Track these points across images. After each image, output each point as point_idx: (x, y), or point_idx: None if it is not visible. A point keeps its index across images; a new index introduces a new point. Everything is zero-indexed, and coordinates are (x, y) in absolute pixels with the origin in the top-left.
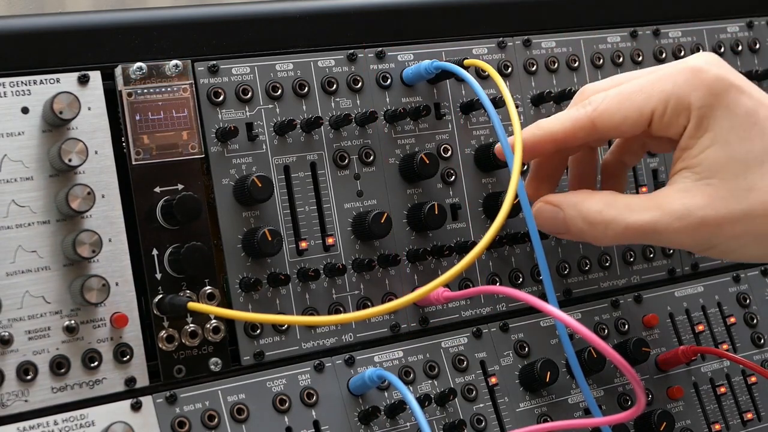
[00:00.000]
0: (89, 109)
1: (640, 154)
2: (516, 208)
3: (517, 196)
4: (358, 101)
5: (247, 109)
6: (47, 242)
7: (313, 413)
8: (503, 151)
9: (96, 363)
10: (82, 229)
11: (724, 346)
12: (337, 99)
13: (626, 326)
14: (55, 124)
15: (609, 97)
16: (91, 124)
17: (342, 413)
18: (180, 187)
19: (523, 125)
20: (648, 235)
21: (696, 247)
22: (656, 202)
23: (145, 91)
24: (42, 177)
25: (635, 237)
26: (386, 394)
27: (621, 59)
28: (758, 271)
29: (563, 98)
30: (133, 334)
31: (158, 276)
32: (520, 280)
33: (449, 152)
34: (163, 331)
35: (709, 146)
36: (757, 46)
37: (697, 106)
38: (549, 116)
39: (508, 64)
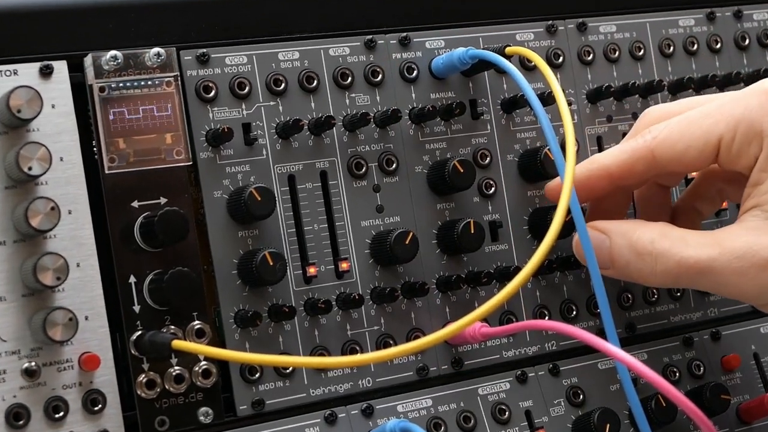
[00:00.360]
0: (53, 106)
1: (717, 201)
2: (568, 227)
3: (569, 211)
4: (377, 97)
5: (243, 106)
6: (2, 267)
7: None
8: (553, 157)
9: (61, 413)
10: (45, 251)
11: None
12: (353, 95)
13: (701, 369)
14: (12, 124)
15: (671, 124)
16: (56, 125)
17: None
18: (163, 200)
19: (577, 126)
20: (703, 275)
21: (757, 296)
22: (717, 238)
23: (121, 85)
24: None
25: (687, 276)
26: None
27: (695, 46)
28: None
29: (626, 94)
30: (106, 378)
31: (136, 308)
32: (574, 313)
33: (488, 159)
34: (143, 375)
35: None
36: None
37: None
38: (608, 115)
39: (559, 52)
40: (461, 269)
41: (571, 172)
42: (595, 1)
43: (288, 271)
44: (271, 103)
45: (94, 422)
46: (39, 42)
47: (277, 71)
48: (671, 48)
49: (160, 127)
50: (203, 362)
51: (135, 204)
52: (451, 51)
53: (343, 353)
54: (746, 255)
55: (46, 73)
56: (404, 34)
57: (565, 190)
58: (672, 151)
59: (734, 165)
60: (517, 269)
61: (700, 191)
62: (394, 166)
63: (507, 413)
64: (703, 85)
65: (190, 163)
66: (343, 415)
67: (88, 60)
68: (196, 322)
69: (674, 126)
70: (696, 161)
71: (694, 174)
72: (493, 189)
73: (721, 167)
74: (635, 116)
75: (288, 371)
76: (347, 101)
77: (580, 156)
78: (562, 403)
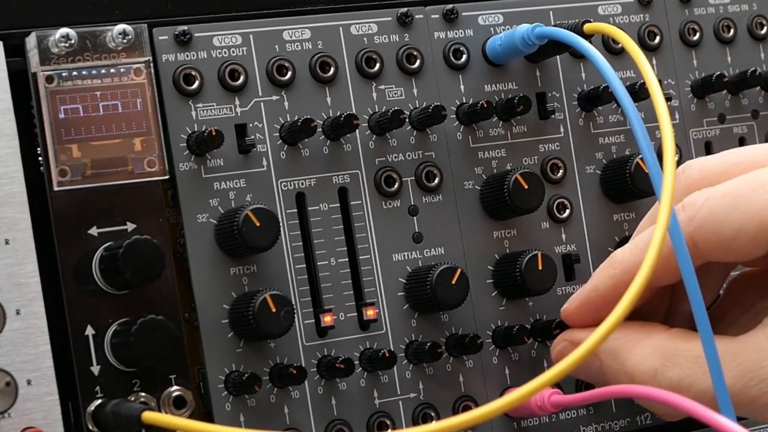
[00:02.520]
0: None
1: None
2: None
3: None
4: (414, 90)
5: (237, 102)
6: None
7: None
8: (647, 169)
9: None
10: None
11: None
12: (382, 86)
13: None
14: None
15: (714, 198)
16: None
17: None
18: (130, 227)
19: (679, 128)
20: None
21: None
22: (743, 370)
23: (75, 73)
24: None
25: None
26: None
27: None
28: None
29: (743, 85)
30: None
31: (95, 370)
32: None
33: (560, 171)
34: None
35: None
36: None
37: None
38: (720, 113)
39: (656, 30)
40: (525, 318)
41: (670, 190)
42: None
43: (296, 320)
44: (274, 97)
45: None
46: None
47: (282, 55)
48: None
49: (127, 130)
50: None
51: (93, 231)
52: (512, 29)
53: (370, 430)
54: None
55: None
56: (450, 6)
57: (662, 213)
58: (717, 238)
59: None
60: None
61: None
62: (436, 181)
63: None
64: None
65: (167, 177)
66: None
67: (31, 40)
68: (175, 387)
69: (718, 200)
70: (749, 249)
71: None
72: (567, 212)
73: None
74: (756, 114)
75: None
76: (374, 95)
77: None
78: None
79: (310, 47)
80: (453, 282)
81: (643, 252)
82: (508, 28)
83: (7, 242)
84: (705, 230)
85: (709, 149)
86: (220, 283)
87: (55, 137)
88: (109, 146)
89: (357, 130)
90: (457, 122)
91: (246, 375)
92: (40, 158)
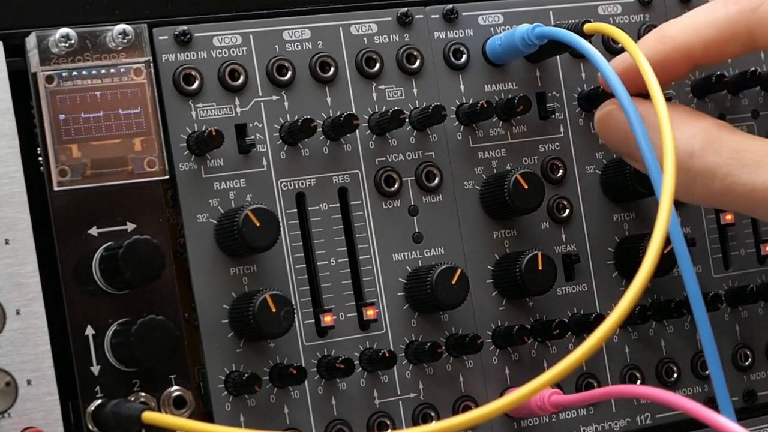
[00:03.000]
0: None
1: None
2: (667, 260)
3: (669, 241)
4: (414, 90)
5: (237, 102)
6: None
7: None
8: (648, 166)
9: None
10: None
11: None
12: (382, 86)
13: None
14: None
15: None
16: None
17: None
18: (130, 227)
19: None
20: (761, 205)
21: None
22: None
23: (75, 73)
24: None
25: (740, 203)
26: None
27: None
28: None
29: (744, 85)
30: None
31: (95, 370)
32: (674, 376)
33: (561, 171)
34: None
35: None
36: None
37: None
38: (720, 113)
39: None
40: (525, 318)
41: (671, 190)
42: None
43: (296, 320)
44: (274, 97)
45: None
46: None
47: (282, 55)
48: None
49: (127, 130)
50: None
51: (93, 231)
52: (512, 29)
53: (370, 430)
54: None
55: None
56: (450, 6)
57: (662, 211)
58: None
59: None
60: (600, 317)
61: None
62: (436, 181)
63: None
64: None
65: (167, 177)
66: None
67: (31, 40)
68: (175, 387)
69: None
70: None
71: None
72: (567, 211)
73: None
74: (756, 114)
75: None
76: (374, 95)
77: None
78: None
79: (310, 47)
80: (453, 282)
81: (695, 32)
82: (508, 28)
83: (7, 242)
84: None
85: None
86: (220, 283)
87: (55, 137)
88: (109, 146)
89: (357, 130)
90: (457, 122)
91: (246, 375)
92: (40, 158)
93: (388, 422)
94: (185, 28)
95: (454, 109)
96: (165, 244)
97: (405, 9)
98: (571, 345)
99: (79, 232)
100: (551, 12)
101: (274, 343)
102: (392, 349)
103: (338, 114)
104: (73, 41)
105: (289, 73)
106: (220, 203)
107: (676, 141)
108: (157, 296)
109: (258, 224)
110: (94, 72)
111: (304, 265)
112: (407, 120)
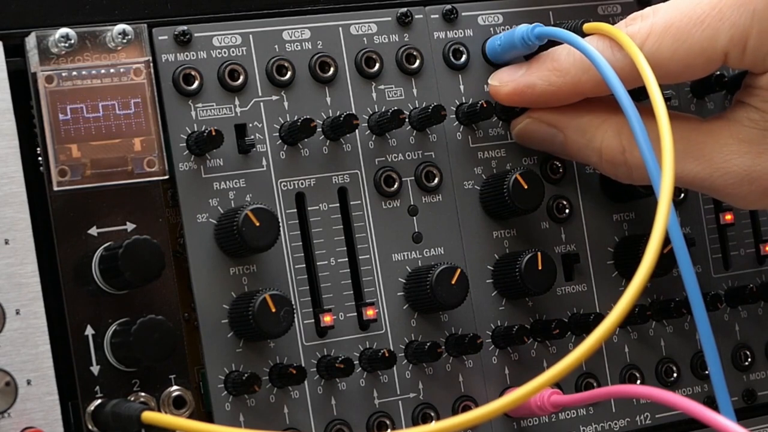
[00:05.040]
0: None
1: None
2: (667, 260)
3: (668, 239)
4: (414, 90)
5: (237, 102)
6: None
7: None
8: (647, 166)
9: None
10: None
11: None
12: (381, 86)
13: None
14: None
15: (656, 32)
16: None
17: None
18: (130, 227)
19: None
20: (693, 186)
21: (760, 206)
22: (705, 152)
23: (75, 73)
24: None
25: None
26: None
27: None
28: None
29: (740, 84)
30: None
31: (95, 370)
32: (674, 375)
33: (560, 171)
34: None
35: None
36: None
37: None
38: (717, 112)
39: None
40: (525, 318)
41: (669, 188)
42: None
43: (296, 320)
44: (274, 97)
45: None
46: None
47: (282, 55)
48: None
49: (127, 130)
50: None
51: (93, 231)
52: (511, 29)
53: (370, 430)
54: (743, 181)
55: None
56: (450, 6)
57: (661, 210)
58: (665, 70)
59: (744, 67)
60: (600, 317)
61: None
62: (435, 181)
63: None
64: None
65: (167, 177)
66: None
67: (31, 40)
68: (174, 387)
69: (662, 36)
70: (696, 75)
71: None
72: (567, 211)
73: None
74: None
75: None
76: (374, 95)
77: None
78: None
79: (310, 47)
80: (453, 282)
81: (587, 68)
82: (507, 28)
83: (7, 242)
84: (655, 59)
85: None
86: (220, 283)
87: (55, 137)
88: (109, 146)
89: (357, 130)
90: (457, 122)
91: (246, 375)
92: (40, 158)
93: (388, 422)
94: (185, 28)
95: (454, 109)
96: (165, 244)
97: (405, 9)
98: (570, 345)
99: (78, 232)
100: (551, 12)
101: (274, 343)
102: (392, 349)
103: (338, 114)
104: (72, 41)
105: (289, 73)
106: (220, 203)
107: (604, 140)
108: (156, 296)
109: (258, 224)
110: (93, 72)
111: (304, 265)
112: (407, 120)
